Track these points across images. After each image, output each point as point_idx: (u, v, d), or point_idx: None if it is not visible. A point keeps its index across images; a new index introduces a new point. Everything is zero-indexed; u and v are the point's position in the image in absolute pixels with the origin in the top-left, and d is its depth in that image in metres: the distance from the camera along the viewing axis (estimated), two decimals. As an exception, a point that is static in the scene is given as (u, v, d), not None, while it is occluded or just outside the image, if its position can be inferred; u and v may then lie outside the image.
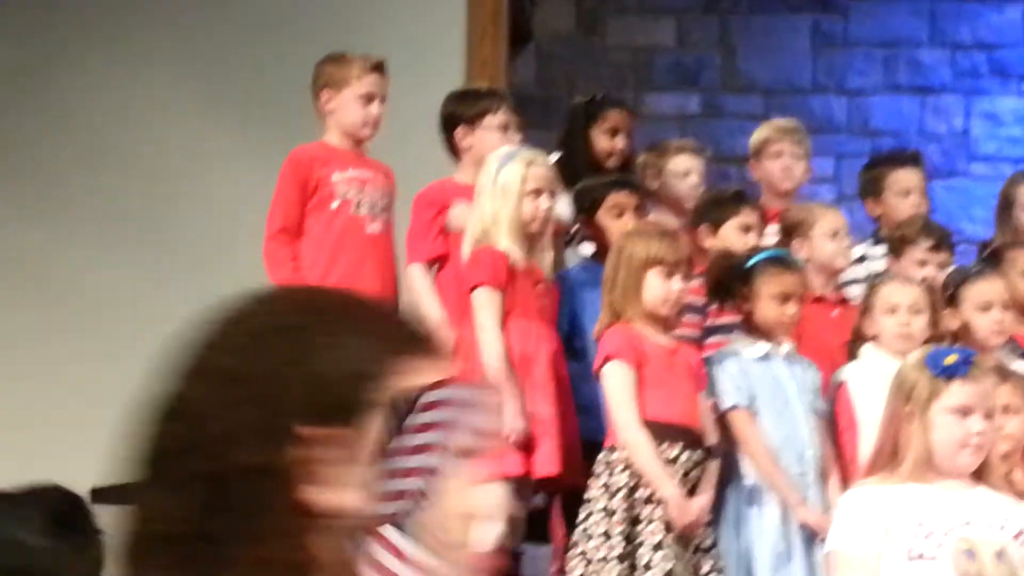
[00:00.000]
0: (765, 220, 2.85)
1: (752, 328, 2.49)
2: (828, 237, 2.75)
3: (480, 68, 3.16)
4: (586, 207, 2.78)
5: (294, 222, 2.57)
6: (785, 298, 2.45)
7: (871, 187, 3.13)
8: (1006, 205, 3.11)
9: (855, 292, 2.80)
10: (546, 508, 2.60)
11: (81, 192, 3.21)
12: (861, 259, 2.98)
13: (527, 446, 2.36)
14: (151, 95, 3.16)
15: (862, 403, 2.43)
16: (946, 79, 4.33)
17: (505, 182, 2.46)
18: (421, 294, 2.56)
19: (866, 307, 2.56)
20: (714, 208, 2.79)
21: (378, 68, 2.64)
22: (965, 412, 1.99)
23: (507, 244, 2.41)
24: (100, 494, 1.43)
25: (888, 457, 2.13)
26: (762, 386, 2.46)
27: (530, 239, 2.46)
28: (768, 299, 2.47)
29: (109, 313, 3.10)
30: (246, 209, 2.81)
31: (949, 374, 2.06)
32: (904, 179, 3.09)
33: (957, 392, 2.00)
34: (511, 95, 2.99)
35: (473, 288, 2.41)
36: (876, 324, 2.51)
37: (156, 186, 3.17)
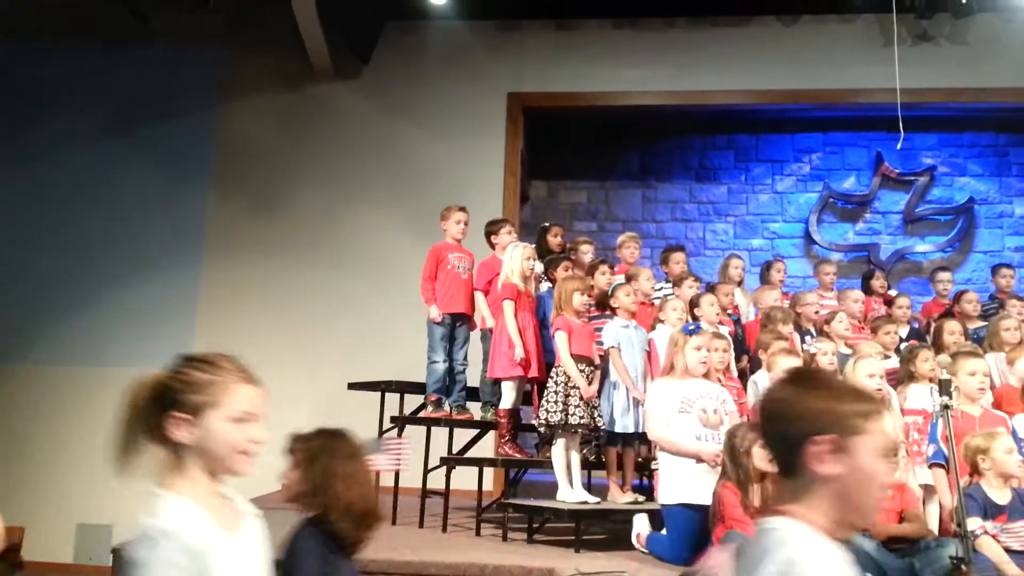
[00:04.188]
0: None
1: (617, 313, 5.66)
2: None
3: (507, 211, 6.66)
4: (547, 267, 6.05)
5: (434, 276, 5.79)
6: (630, 301, 5.68)
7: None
8: None
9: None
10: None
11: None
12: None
13: (527, 365, 5.51)
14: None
15: (660, 347, 5.58)
16: None
17: (516, 255, 5.70)
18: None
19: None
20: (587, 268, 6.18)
21: (463, 210, 5.97)
22: (699, 348, 5.15)
23: (518, 281, 5.63)
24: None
25: (669, 367, 5.21)
26: (623, 338, 5.32)
27: (526, 280, 5.69)
28: (622, 309, 5.66)
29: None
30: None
31: (687, 332, 5.23)
32: None
33: (695, 340, 5.17)
34: (518, 222, 6.47)
35: (502, 300, 5.65)
36: (665, 312, 5.72)
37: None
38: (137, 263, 7.99)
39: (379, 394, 5.72)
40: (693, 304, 5.73)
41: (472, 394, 5.87)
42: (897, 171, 8.60)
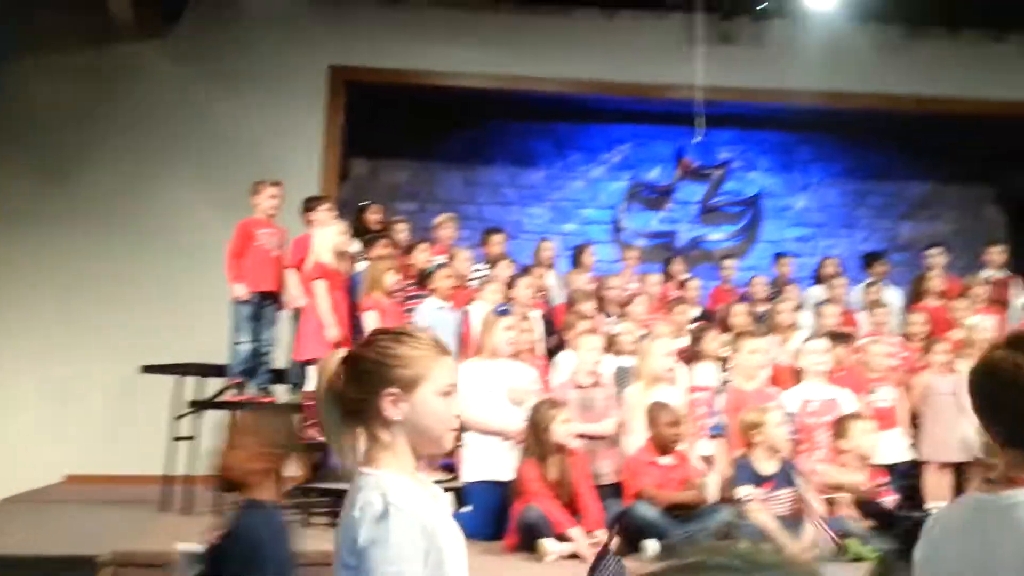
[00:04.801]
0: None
1: (433, 295, 5.72)
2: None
3: (326, 188, 6.49)
4: (364, 246, 6.01)
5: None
6: (448, 286, 5.76)
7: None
8: None
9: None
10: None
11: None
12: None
13: (339, 345, 5.45)
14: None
15: (476, 323, 5.72)
16: None
17: (329, 234, 5.56)
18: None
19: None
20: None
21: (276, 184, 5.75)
22: (509, 328, 5.30)
23: (330, 260, 5.52)
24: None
25: (480, 347, 5.37)
26: (436, 320, 5.46)
27: (339, 259, 5.60)
28: (439, 292, 5.75)
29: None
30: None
31: (498, 313, 5.38)
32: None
33: (506, 321, 5.30)
34: (338, 200, 6.33)
35: (313, 279, 5.54)
36: (482, 293, 5.86)
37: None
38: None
39: (177, 378, 5.43)
40: (509, 285, 5.89)
41: (281, 377, 5.72)
42: (697, 164, 9.20)
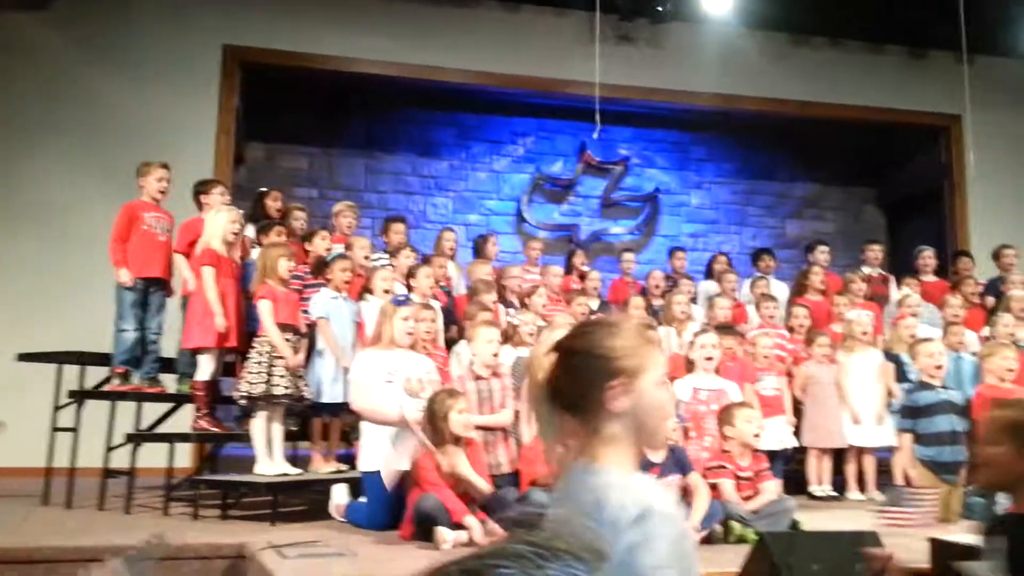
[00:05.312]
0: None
1: (328, 284, 5.60)
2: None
3: (219, 173, 6.25)
4: (259, 232, 5.83)
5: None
6: (344, 278, 5.64)
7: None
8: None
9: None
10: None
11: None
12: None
13: (227, 334, 5.27)
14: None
15: (369, 317, 5.64)
16: None
17: (220, 219, 5.35)
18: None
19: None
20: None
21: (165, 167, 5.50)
22: (407, 318, 5.24)
23: (219, 246, 5.34)
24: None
25: (376, 338, 5.28)
26: (331, 309, 5.32)
27: (229, 246, 5.41)
28: (334, 283, 5.62)
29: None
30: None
31: (396, 303, 5.32)
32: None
33: (404, 311, 5.23)
34: (232, 185, 6.10)
35: (200, 265, 5.34)
36: (374, 283, 5.80)
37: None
38: None
39: (60, 367, 5.14)
40: (409, 275, 5.84)
41: (169, 366, 5.50)
42: (598, 159, 9.38)
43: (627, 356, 1.45)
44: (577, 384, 1.45)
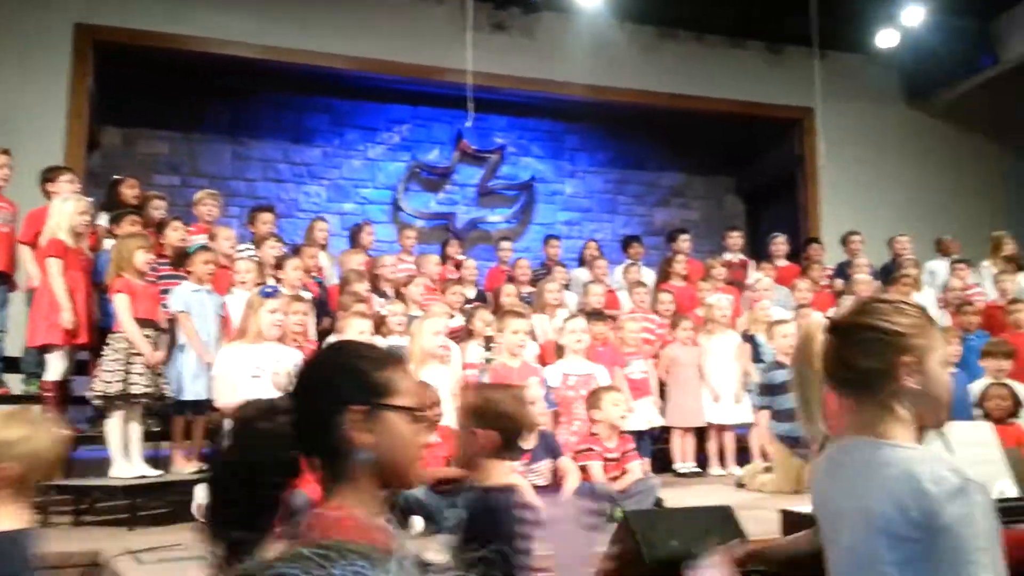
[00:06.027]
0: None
1: (189, 277, 5.35)
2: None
3: (70, 159, 5.85)
4: (112, 222, 5.51)
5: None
6: (207, 271, 5.44)
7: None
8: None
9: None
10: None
11: None
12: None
13: (75, 330, 4.97)
14: None
15: (234, 310, 5.45)
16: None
17: (66, 208, 5.00)
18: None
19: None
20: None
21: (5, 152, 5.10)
22: (275, 311, 5.07)
23: (66, 237, 5.01)
24: None
25: (242, 331, 5.08)
26: (193, 303, 5.11)
27: (77, 236, 5.08)
28: (200, 272, 5.40)
29: None
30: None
31: (264, 295, 5.16)
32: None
33: (271, 303, 5.08)
34: (85, 171, 5.73)
35: (46, 257, 5.01)
36: (237, 274, 5.61)
37: None
38: None
39: None
40: (277, 266, 5.69)
41: (14, 365, 5.15)
42: (474, 148, 9.40)
43: (917, 334, 1.49)
44: (871, 359, 1.49)
